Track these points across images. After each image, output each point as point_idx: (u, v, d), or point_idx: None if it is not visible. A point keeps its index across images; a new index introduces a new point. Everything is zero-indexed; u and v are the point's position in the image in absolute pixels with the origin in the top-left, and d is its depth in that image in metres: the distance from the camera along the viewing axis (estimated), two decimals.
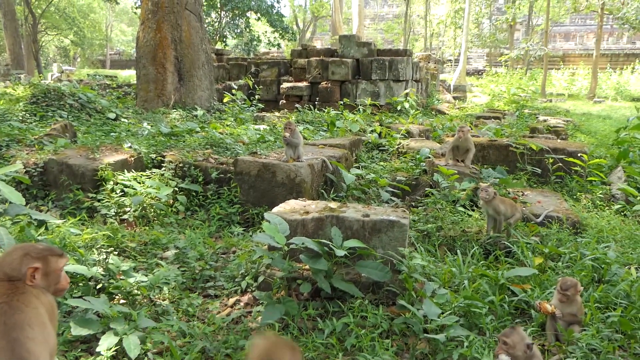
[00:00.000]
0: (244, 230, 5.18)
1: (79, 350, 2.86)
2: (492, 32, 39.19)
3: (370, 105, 12.74)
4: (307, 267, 3.61)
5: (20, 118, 9.08)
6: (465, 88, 24.73)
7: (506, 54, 31.85)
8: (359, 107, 12.48)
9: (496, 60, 37.88)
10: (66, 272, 3.46)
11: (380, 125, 10.28)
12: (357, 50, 14.82)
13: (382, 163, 7.60)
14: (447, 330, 3.00)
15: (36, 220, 4.05)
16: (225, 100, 12.08)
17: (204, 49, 12.54)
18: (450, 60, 40.39)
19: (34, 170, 5.86)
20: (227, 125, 9.35)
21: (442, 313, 3.17)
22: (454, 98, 21.37)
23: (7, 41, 30.79)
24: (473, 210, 5.52)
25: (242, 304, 3.61)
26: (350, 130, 9.35)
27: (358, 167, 7.02)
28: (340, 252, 3.34)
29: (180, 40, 11.93)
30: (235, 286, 3.83)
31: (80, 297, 3.18)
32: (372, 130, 9.59)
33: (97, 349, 2.77)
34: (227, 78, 16.75)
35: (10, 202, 3.89)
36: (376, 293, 3.60)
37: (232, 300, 3.63)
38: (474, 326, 3.21)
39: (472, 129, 10.32)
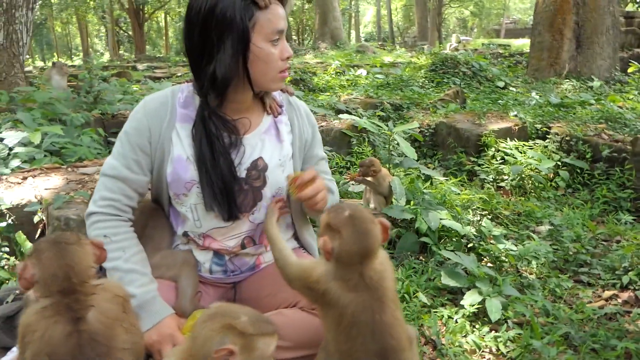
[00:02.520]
0: (633, 219, 4.50)
1: (445, 298, 3.10)
2: None
3: None
4: None
5: (420, 84, 10.19)
6: None
7: None
8: None
9: None
10: (443, 226, 3.80)
11: None
12: None
13: None
14: None
15: (424, 174, 4.56)
16: (630, 70, 10.48)
17: (611, 12, 11.06)
18: None
19: (426, 131, 6.51)
20: (629, 99, 8.14)
21: None
22: None
23: (416, 15, 34.82)
24: None
25: (619, 300, 3.18)
26: None
27: None
28: None
29: (583, 3, 10.87)
30: (613, 278, 3.40)
31: (452, 251, 3.43)
32: None
33: (461, 302, 2.95)
34: (636, 45, 14.44)
35: (406, 156, 4.47)
36: None
37: (608, 293, 3.24)
38: None
39: None
